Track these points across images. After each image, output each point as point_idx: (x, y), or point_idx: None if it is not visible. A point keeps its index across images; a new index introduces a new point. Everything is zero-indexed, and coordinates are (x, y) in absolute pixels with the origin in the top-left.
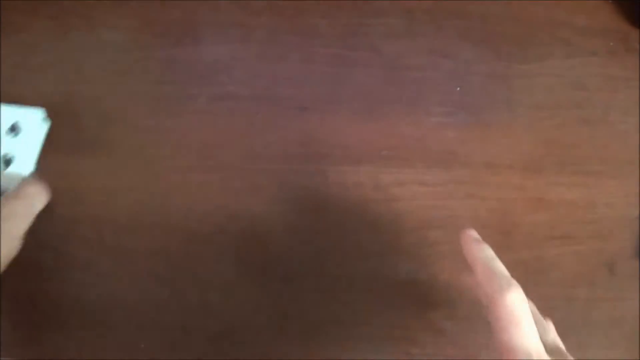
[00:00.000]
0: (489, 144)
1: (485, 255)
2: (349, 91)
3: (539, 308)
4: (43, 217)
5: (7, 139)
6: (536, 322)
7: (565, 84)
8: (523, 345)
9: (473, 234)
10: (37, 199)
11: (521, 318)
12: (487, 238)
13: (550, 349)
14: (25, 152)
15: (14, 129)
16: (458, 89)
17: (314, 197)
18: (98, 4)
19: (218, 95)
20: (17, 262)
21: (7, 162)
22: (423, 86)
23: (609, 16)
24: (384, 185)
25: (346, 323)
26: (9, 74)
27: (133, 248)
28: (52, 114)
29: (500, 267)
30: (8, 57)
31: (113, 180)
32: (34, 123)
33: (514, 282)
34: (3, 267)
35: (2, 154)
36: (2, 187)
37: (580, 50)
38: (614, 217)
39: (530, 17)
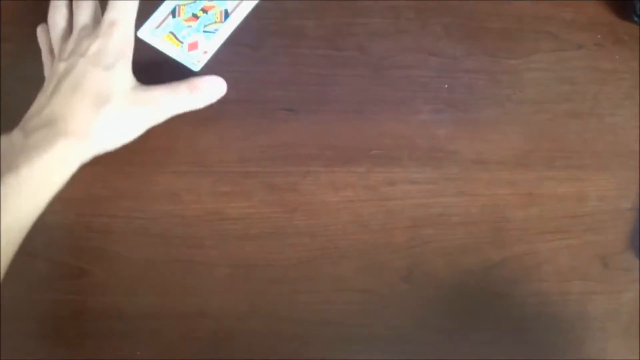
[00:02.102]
0: (478, 141)
1: None
2: (337, 92)
3: (533, 303)
4: (36, 227)
5: None
6: None
7: (553, 78)
8: None
9: None
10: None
11: None
12: (479, 234)
13: None
14: None
15: None
16: (446, 86)
17: (304, 199)
18: None
19: None
20: (12, 272)
21: None
22: (411, 84)
23: (596, 9)
24: (374, 185)
25: (341, 324)
26: None
27: (126, 255)
28: None
29: None
30: None
31: (103, 188)
32: None
33: None
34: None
35: None
36: None
37: (568, 43)
38: (606, 210)
39: (516, 12)
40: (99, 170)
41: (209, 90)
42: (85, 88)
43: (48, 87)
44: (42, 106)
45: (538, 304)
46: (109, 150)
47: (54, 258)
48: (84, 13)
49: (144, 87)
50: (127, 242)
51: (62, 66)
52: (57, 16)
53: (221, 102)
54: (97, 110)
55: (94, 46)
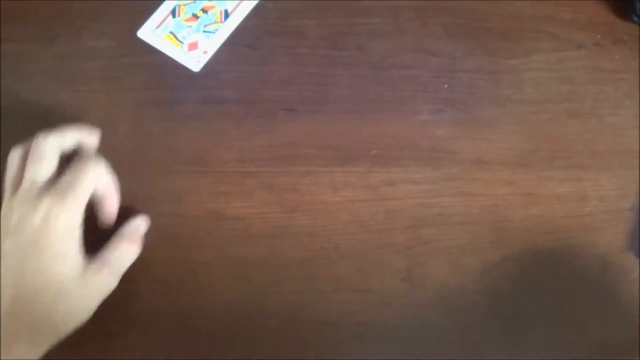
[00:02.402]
0: (478, 141)
1: None
2: (337, 91)
3: (533, 303)
4: None
5: None
6: None
7: (553, 78)
8: None
9: None
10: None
11: None
12: (479, 234)
13: None
14: None
15: None
16: (446, 86)
17: (304, 199)
18: (84, 11)
19: (206, 99)
20: None
21: None
22: (411, 84)
23: (595, 9)
24: (374, 185)
25: (341, 324)
26: None
27: None
28: (39, 123)
29: None
30: None
31: None
32: None
33: None
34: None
35: None
36: None
37: (567, 43)
38: (606, 210)
39: (516, 12)
40: None
41: (142, 231)
42: (35, 282)
43: None
44: None
45: (538, 303)
46: (65, 336)
47: None
48: (34, 169)
49: (91, 266)
50: None
51: (7, 246)
52: (11, 161)
53: (221, 102)
54: (49, 305)
55: (38, 221)
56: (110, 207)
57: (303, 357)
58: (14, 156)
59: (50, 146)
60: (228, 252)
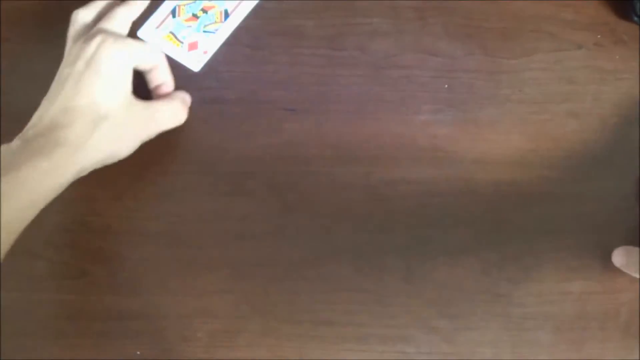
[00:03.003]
0: (478, 141)
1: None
2: (337, 92)
3: (533, 303)
4: (36, 227)
5: None
6: None
7: (553, 78)
8: None
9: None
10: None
11: None
12: (479, 234)
13: None
14: None
15: None
16: (446, 86)
17: (304, 199)
18: None
19: (206, 99)
20: (12, 272)
21: None
22: (411, 84)
23: (596, 9)
24: (374, 184)
25: (341, 324)
26: None
27: (126, 256)
28: None
29: None
30: None
31: (102, 188)
32: None
33: None
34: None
35: None
36: None
37: (567, 43)
38: (606, 210)
39: (516, 12)
40: (99, 170)
41: (188, 102)
42: (85, 99)
43: (53, 90)
44: (45, 111)
45: (538, 304)
46: (106, 164)
47: (53, 258)
48: (105, 24)
49: (142, 103)
50: (127, 242)
51: (65, 70)
52: (82, 19)
53: (221, 102)
54: (96, 124)
55: (92, 49)
56: (163, 73)
57: (303, 357)
58: (86, 14)
59: (124, 13)
60: (228, 252)
